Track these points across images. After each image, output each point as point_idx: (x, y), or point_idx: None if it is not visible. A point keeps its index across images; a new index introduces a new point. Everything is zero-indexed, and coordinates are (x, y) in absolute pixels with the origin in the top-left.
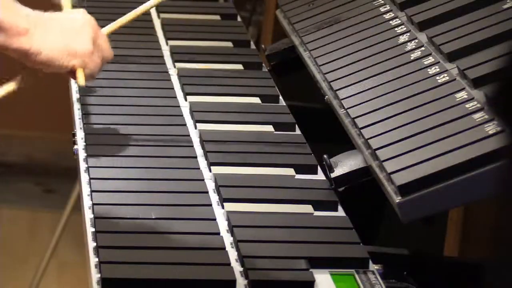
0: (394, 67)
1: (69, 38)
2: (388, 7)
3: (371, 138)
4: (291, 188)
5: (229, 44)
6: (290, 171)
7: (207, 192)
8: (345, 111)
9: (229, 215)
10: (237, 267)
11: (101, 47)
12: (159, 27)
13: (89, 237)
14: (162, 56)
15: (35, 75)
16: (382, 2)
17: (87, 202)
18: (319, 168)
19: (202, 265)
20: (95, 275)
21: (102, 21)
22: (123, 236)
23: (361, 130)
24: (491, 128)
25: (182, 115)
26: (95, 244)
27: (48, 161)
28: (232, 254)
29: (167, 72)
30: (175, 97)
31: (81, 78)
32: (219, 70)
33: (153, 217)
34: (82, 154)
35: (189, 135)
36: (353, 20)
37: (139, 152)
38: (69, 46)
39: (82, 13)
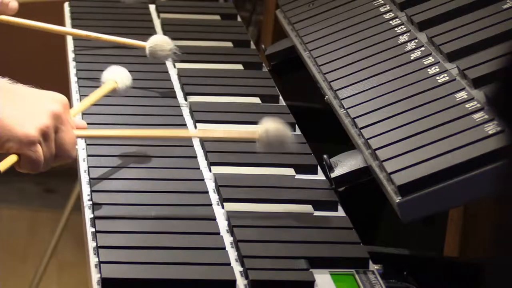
0: (394, 67)
1: (16, 118)
2: (388, 7)
3: (371, 138)
4: (291, 188)
5: (229, 44)
6: (290, 171)
7: (207, 192)
8: (345, 111)
9: (229, 215)
10: (237, 267)
11: (57, 142)
12: (159, 27)
13: (89, 237)
14: None
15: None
16: (382, 2)
17: (87, 202)
18: (319, 168)
19: (202, 265)
20: (95, 275)
21: None
22: (123, 236)
23: (361, 130)
24: (491, 128)
25: (182, 115)
26: (95, 244)
27: None
28: (232, 254)
29: (167, 72)
30: (175, 97)
31: (4, 163)
32: (219, 70)
33: (153, 215)
34: (82, 154)
35: None
36: (353, 20)
37: (139, 152)
38: (8, 126)
39: (57, 98)
